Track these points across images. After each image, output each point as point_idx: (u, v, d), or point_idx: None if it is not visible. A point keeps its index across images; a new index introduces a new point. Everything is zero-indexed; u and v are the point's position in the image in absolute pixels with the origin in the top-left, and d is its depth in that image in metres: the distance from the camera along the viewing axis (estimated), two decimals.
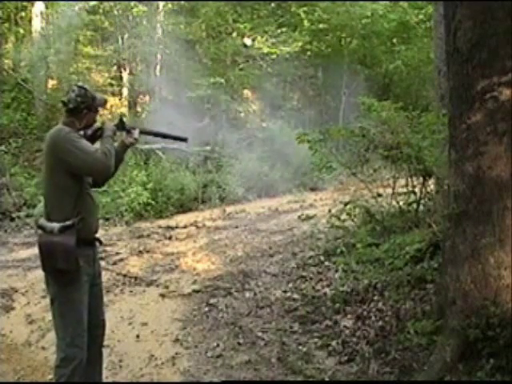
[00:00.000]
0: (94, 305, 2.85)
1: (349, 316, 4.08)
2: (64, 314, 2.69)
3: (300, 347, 3.72)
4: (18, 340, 4.10)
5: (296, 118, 14.89)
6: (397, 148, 4.71)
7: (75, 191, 2.65)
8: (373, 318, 3.92)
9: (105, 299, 4.72)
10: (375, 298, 4.17)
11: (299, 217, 7.74)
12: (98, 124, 2.88)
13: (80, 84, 2.80)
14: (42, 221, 2.67)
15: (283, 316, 4.28)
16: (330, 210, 5.71)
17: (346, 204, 5.57)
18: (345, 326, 3.92)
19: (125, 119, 3.04)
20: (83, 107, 2.70)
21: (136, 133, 2.92)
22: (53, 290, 2.74)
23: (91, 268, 2.78)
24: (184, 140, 3.12)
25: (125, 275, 5.51)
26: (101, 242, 2.91)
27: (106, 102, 2.95)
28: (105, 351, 3.81)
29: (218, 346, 3.82)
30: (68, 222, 2.59)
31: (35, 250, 6.58)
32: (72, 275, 2.63)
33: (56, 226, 2.58)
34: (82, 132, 2.78)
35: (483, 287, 2.84)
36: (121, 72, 14.17)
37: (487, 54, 2.81)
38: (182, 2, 14.17)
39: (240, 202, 10.61)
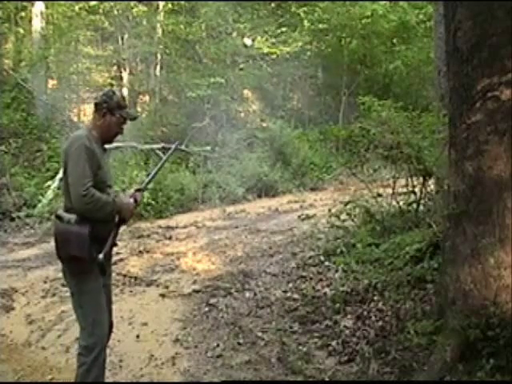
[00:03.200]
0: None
1: (349, 316, 4.07)
2: (83, 305, 2.79)
3: (300, 347, 3.71)
4: (18, 340, 4.09)
5: (296, 118, 14.91)
6: (397, 148, 4.72)
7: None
8: (373, 318, 3.92)
9: None
10: (375, 298, 4.16)
11: (299, 217, 7.75)
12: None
13: (115, 90, 3.06)
14: (60, 211, 2.76)
15: (283, 316, 4.27)
16: (330, 210, 5.72)
17: (346, 204, 5.57)
18: (345, 326, 3.92)
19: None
20: (104, 106, 2.78)
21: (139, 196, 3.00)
22: (71, 282, 2.81)
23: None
24: (177, 146, 3.27)
25: (125, 275, 5.51)
26: (116, 244, 2.91)
27: (134, 118, 3.02)
28: None
29: (218, 345, 3.82)
30: (73, 218, 2.68)
31: (35, 250, 6.66)
32: (86, 265, 2.67)
33: (73, 217, 2.66)
34: (103, 145, 2.85)
35: (483, 287, 2.84)
36: (121, 72, 14.17)
37: (487, 53, 2.81)
38: (182, 2, 14.16)
39: (240, 202, 10.60)
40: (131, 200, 2.89)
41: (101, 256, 2.66)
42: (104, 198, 2.67)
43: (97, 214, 2.65)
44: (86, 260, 2.66)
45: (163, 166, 3.27)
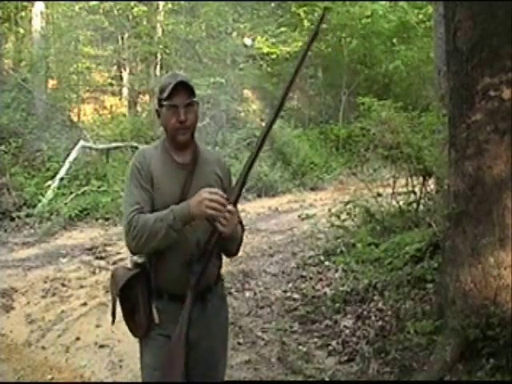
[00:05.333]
0: (194, 374, 1.96)
1: (349, 316, 4.07)
2: (141, 373, 2.09)
3: (300, 347, 3.71)
4: (18, 340, 4.09)
5: (296, 118, 14.90)
6: (397, 148, 4.72)
7: None
8: (373, 318, 3.92)
9: (104, 299, 4.74)
10: (375, 297, 4.16)
11: (299, 216, 7.75)
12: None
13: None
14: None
15: (283, 316, 4.27)
16: (330, 210, 5.72)
17: (346, 204, 5.57)
18: (345, 326, 3.92)
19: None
20: (157, 102, 1.98)
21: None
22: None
23: (172, 327, 1.89)
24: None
25: None
26: (202, 297, 1.97)
27: (180, 82, 1.88)
28: (105, 351, 3.83)
29: None
30: (140, 260, 1.94)
31: (35, 250, 6.66)
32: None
33: (134, 258, 1.97)
34: (176, 157, 1.97)
35: (483, 287, 2.84)
36: (121, 72, 14.17)
37: (487, 53, 2.82)
38: (182, 2, 14.16)
39: (240, 201, 10.58)
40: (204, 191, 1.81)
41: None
42: (152, 215, 1.84)
43: (151, 243, 1.81)
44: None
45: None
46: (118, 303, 1.96)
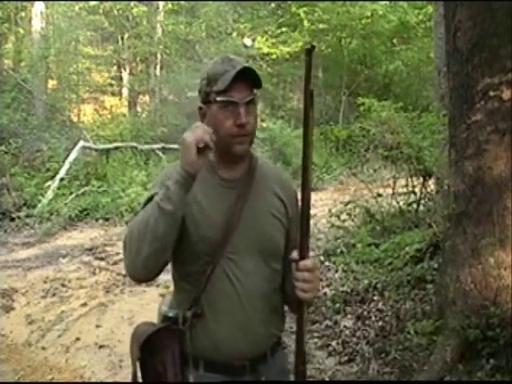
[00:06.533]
0: None
1: (349, 316, 4.07)
2: None
3: None
4: (18, 340, 4.09)
5: (296, 118, 14.89)
6: (397, 148, 4.72)
7: (188, 265, 1.40)
8: (373, 318, 3.92)
9: (104, 299, 4.75)
10: (375, 298, 4.16)
11: None
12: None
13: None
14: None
15: None
16: (330, 210, 5.71)
17: (346, 204, 5.57)
18: (345, 326, 3.92)
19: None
20: (200, 100, 1.46)
21: None
22: None
23: None
24: None
25: (125, 275, 5.50)
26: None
27: (244, 70, 1.38)
28: (105, 351, 3.83)
29: None
30: (171, 313, 1.43)
31: (35, 250, 6.65)
32: None
33: (163, 310, 1.47)
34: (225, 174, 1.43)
35: (483, 287, 2.84)
36: (121, 72, 14.19)
37: (487, 53, 2.81)
38: (182, 2, 14.17)
39: None
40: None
41: None
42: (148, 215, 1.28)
43: (146, 241, 1.26)
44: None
45: None
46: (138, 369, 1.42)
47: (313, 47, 1.20)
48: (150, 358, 1.38)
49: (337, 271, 4.96)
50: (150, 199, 1.32)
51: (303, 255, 1.27)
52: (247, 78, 1.36)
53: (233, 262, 1.37)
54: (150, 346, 1.38)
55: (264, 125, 14.26)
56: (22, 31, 13.64)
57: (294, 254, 1.28)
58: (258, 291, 1.39)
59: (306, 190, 1.24)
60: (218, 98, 1.35)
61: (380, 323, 3.81)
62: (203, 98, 1.42)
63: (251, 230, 1.37)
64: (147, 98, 14.30)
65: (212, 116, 1.37)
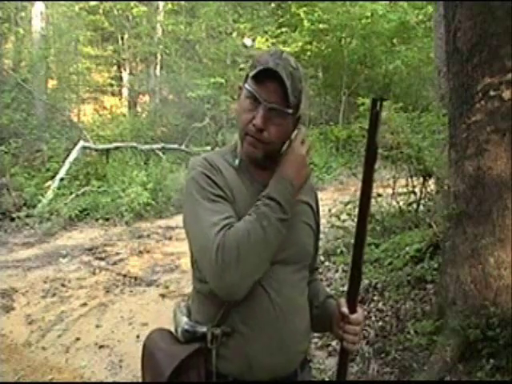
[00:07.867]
0: None
1: None
2: None
3: None
4: (18, 340, 4.09)
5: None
6: (397, 148, 4.71)
7: None
8: (373, 319, 3.92)
9: (104, 299, 4.75)
10: (375, 298, 4.16)
11: None
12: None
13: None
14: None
15: None
16: (330, 210, 5.71)
17: (346, 204, 5.57)
18: None
19: None
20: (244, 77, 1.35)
21: None
22: None
23: None
24: None
25: (125, 275, 5.51)
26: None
27: (267, 69, 1.25)
28: (105, 351, 3.83)
29: None
30: (198, 328, 1.30)
31: (35, 251, 6.66)
32: None
33: (184, 324, 1.33)
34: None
35: (483, 287, 2.84)
36: (121, 72, 14.20)
37: (487, 54, 2.81)
38: (182, 2, 14.18)
39: None
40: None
41: None
42: (241, 221, 1.21)
43: (262, 259, 1.21)
44: None
45: None
46: None
47: (382, 99, 1.13)
48: (174, 377, 1.26)
49: (337, 271, 4.96)
50: (210, 199, 1.24)
51: (354, 309, 1.30)
52: (280, 82, 1.24)
53: (268, 273, 1.25)
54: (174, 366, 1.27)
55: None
56: (21, 31, 13.65)
57: (345, 309, 1.32)
58: (292, 304, 1.32)
59: (359, 249, 1.30)
60: (246, 85, 1.29)
61: (380, 323, 3.81)
62: (244, 79, 1.33)
63: (286, 239, 1.27)
64: (147, 97, 14.30)
65: (240, 100, 1.32)
